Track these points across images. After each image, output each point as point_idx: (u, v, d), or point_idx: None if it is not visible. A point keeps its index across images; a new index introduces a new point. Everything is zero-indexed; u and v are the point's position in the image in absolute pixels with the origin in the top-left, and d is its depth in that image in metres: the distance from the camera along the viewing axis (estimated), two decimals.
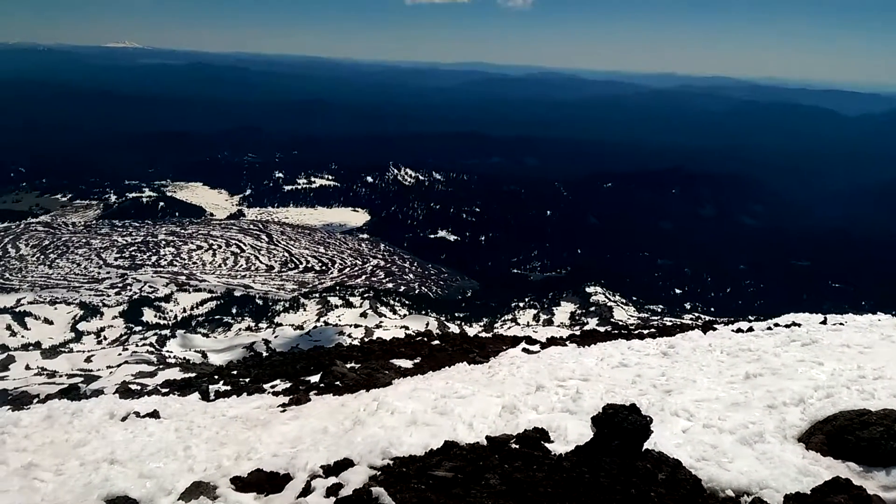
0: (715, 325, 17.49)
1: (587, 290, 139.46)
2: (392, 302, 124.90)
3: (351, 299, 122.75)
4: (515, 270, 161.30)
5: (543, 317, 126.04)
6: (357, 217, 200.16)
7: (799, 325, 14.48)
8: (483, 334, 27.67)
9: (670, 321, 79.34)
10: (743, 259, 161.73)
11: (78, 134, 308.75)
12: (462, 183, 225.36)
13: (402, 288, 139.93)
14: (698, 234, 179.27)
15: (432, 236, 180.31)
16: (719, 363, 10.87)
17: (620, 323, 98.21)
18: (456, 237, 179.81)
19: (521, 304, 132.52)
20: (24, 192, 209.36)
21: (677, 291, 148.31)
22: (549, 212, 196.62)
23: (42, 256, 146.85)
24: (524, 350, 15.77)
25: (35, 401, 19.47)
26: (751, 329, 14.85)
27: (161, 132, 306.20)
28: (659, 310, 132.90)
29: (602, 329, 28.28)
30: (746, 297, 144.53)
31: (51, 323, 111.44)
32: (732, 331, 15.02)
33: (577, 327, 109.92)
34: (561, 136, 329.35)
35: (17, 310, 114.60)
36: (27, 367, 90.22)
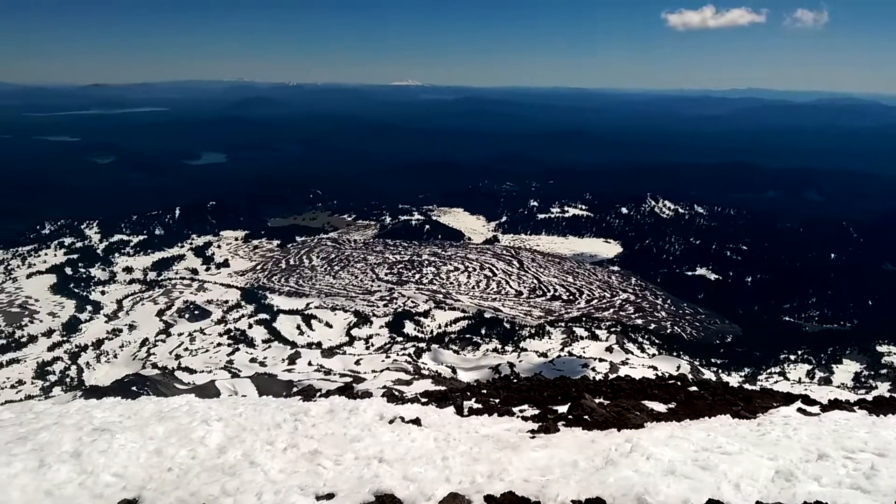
0: None
1: (878, 348, 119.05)
2: (640, 339, 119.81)
3: (597, 332, 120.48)
4: (787, 318, 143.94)
5: (819, 374, 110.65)
6: (608, 248, 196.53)
7: None
8: (747, 386, 25.11)
9: None
10: None
11: (366, 161, 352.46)
12: (728, 218, 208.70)
13: (652, 325, 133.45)
14: None
15: (689, 273, 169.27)
16: None
17: None
18: (717, 276, 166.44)
19: (792, 357, 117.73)
20: (319, 211, 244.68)
21: None
22: (832, 255, 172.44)
23: (328, 267, 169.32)
24: (800, 410, 13.95)
25: (318, 395, 22.36)
26: None
27: (432, 161, 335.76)
28: None
29: None
30: None
31: (330, 326, 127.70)
32: None
33: (864, 391, 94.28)
34: (852, 168, 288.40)
35: (306, 312, 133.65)
36: (309, 363, 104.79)
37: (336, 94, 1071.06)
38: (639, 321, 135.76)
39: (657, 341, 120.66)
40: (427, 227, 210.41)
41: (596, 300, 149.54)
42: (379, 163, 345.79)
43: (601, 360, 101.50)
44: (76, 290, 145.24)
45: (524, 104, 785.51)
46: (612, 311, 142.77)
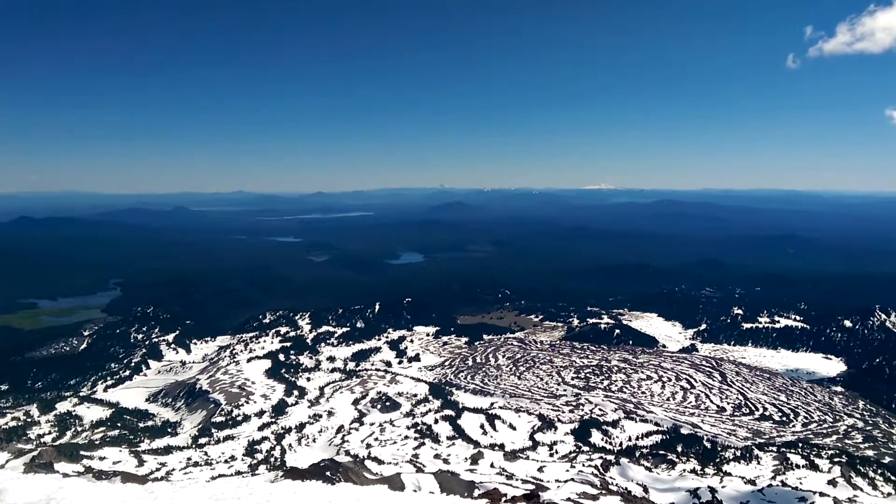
0: None
1: None
2: (872, 474, 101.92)
3: (816, 461, 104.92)
4: None
5: None
6: (829, 366, 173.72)
7: None
8: None
9: None
10: None
11: (554, 263, 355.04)
12: None
13: (887, 459, 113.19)
14: None
15: None
16: None
17: None
18: None
19: None
20: (506, 310, 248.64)
21: None
22: None
23: (514, 367, 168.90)
24: None
25: (504, 500, 22.05)
26: None
27: (623, 264, 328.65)
28: None
29: None
30: None
31: (514, 429, 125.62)
32: None
33: None
34: None
35: (489, 412, 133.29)
36: (491, 465, 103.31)
37: (527, 198, 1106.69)
38: (869, 452, 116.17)
39: (894, 478, 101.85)
40: (617, 331, 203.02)
41: (815, 424, 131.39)
42: (568, 265, 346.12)
43: (822, 494, 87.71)
44: (286, 376, 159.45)
45: (724, 206, 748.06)
46: (834, 437, 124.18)
